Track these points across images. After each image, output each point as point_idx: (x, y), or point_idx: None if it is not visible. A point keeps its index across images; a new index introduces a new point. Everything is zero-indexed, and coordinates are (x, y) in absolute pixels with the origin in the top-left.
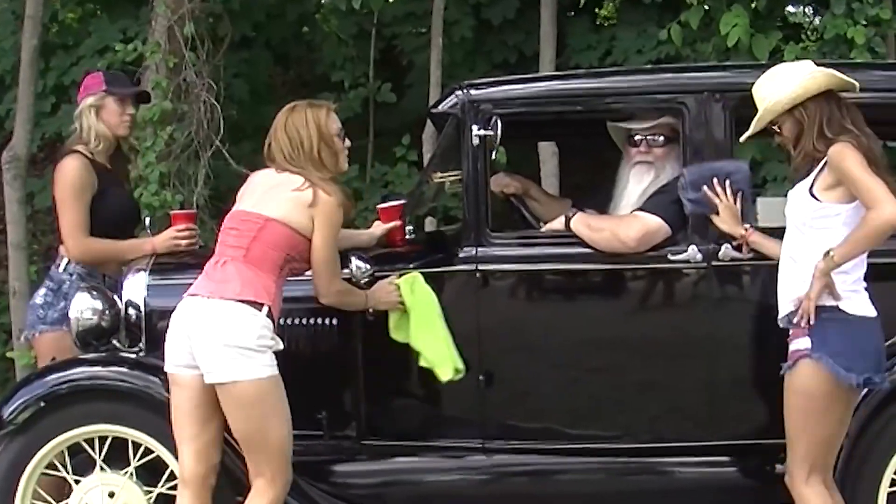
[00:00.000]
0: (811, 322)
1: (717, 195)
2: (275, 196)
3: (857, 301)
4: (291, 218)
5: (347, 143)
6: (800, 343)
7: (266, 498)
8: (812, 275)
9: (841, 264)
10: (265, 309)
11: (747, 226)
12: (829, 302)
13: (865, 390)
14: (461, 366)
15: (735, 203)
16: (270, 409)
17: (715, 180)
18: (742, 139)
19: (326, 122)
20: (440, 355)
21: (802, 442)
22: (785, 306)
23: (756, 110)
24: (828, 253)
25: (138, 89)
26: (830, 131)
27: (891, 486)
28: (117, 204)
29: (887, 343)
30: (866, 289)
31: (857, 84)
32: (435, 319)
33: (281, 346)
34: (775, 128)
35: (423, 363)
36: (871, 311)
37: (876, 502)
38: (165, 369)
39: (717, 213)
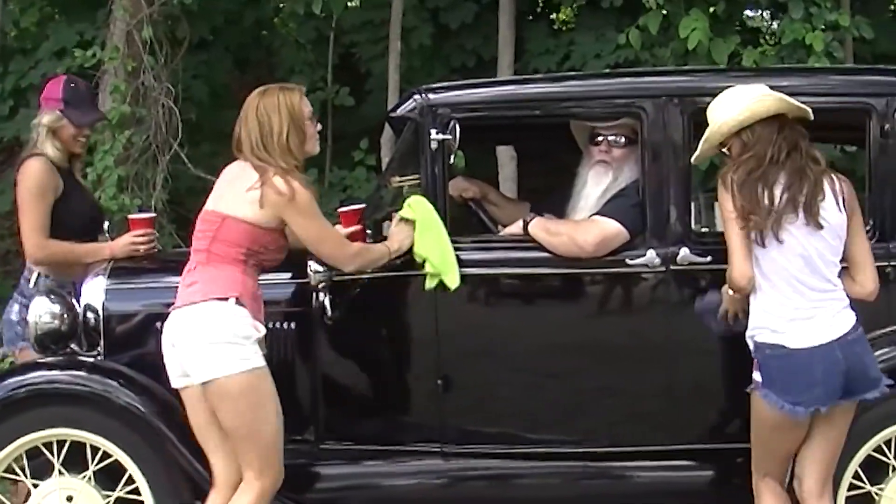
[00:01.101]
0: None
1: None
2: (232, 191)
3: (796, 333)
4: (246, 214)
5: (319, 126)
6: (755, 375)
7: (253, 491)
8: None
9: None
10: (232, 300)
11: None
12: (771, 340)
13: None
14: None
15: None
16: (256, 402)
17: None
18: (693, 160)
19: (299, 105)
20: (445, 262)
21: (758, 453)
22: None
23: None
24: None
25: (96, 117)
26: (761, 160)
27: (850, 489)
28: (81, 208)
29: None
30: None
31: (810, 111)
32: (437, 229)
33: (262, 333)
34: (725, 150)
35: (429, 269)
36: (812, 341)
37: None
38: (173, 386)
39: None
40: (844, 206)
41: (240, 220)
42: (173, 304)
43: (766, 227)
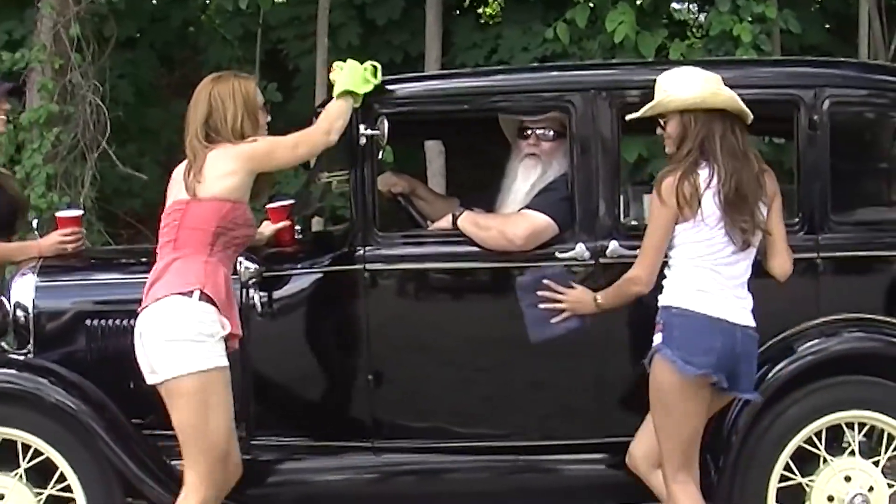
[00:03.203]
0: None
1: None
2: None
3: (702, 301)
4: (215, 190)
5: (268, 118)
6: (656, 338)
7: (197, 496)
8: None
9: (607, 308)
10: (196, 294)
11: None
12: (680, 303)
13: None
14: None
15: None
16: (210, 402)
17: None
18: (628, 118)
19: (254, 93)
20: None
21: (664, 439)
22: None
23: (649, 100)
24: (595, 299)
25: (9, 85)
26: (698, 152)
27: (781, 481)
28: None
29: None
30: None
31: (751, 116)
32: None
33: (227, 330)
34: (662, 122)
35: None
36: (719, 313)
37: (766, 498)
38: (148, 383)
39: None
40: (767, 199)
41: (205, 199)
42: (104, 301)
43: (695, 209)
